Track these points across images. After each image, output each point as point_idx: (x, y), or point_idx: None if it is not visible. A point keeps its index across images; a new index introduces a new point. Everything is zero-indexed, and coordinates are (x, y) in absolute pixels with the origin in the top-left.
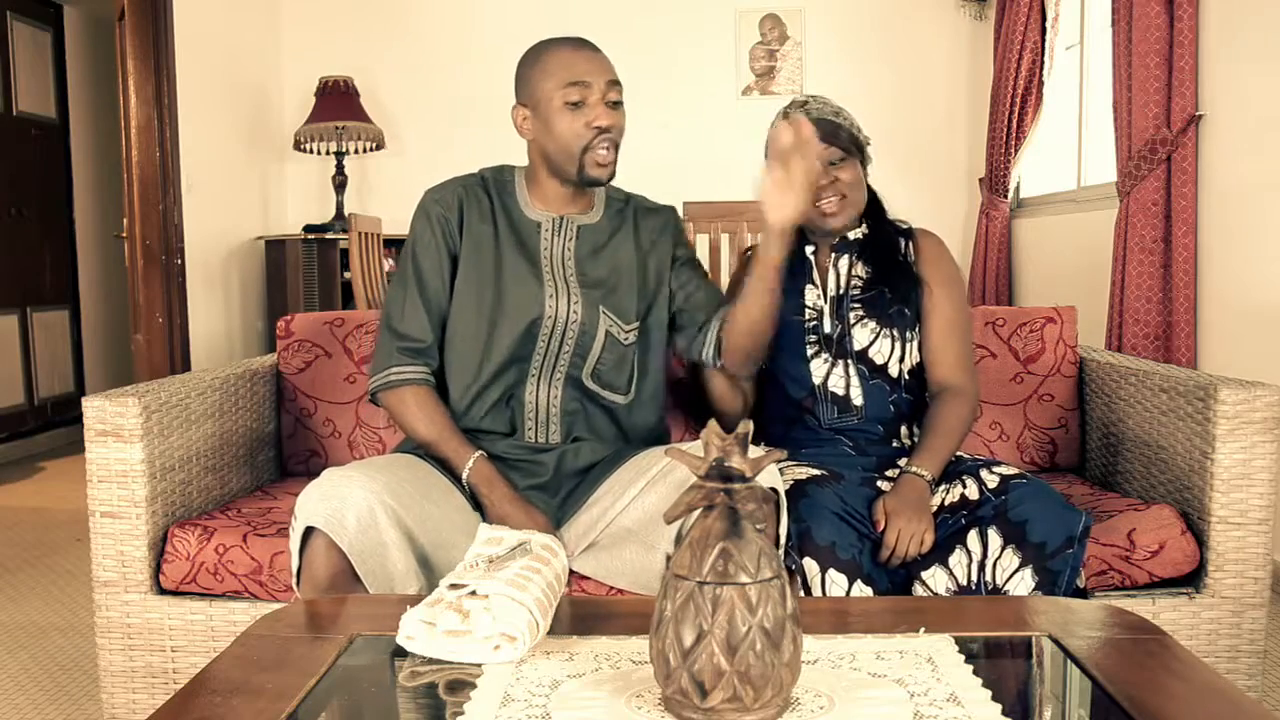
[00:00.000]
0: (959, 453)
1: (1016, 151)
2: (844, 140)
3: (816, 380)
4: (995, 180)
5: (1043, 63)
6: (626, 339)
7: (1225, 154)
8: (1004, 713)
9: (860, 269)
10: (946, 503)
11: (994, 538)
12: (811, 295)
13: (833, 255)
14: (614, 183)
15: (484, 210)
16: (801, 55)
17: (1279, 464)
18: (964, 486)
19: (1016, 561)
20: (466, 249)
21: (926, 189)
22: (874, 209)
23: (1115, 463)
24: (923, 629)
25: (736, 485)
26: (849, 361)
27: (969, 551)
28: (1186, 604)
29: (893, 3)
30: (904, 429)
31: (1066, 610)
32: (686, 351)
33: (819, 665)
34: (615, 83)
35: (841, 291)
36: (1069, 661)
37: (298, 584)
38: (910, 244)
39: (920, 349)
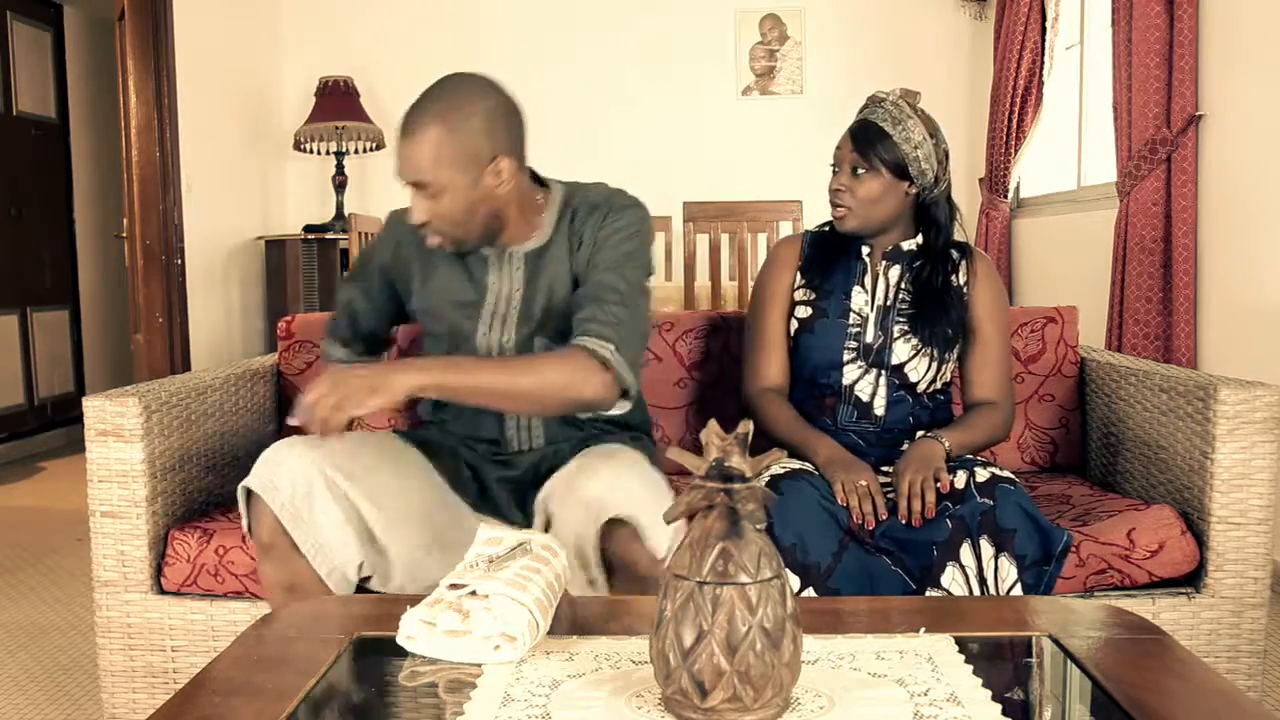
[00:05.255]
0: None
1: (1016, 151)
2: (872, 154)
3: (845, 382)
4: (995, 180)
5: (1043, 63)
6: None
7: (1225, 154)
8: (1004, 713)
9: (908, 282)
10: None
11: (985, 547)
12: (859, 300)
13: (884, 263)
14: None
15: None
16: (801, 55)
17: (1279, 464)
18: (953, 475)
19: (1014, 571)
20: (421, 271)
21: None
22: (930, 224)
23: (1115, 463)
24: (923, 629)
25: (736, 485)
26: (883, 373)
27: (964, 567)
28: (1186, 604)
29: (893, 3)
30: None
31: (1066, 610)
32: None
33: (819, 665)
34: None
35: (889, 302)
36: (1069, 661)
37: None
38: (966, 263)
39: (959, 367)
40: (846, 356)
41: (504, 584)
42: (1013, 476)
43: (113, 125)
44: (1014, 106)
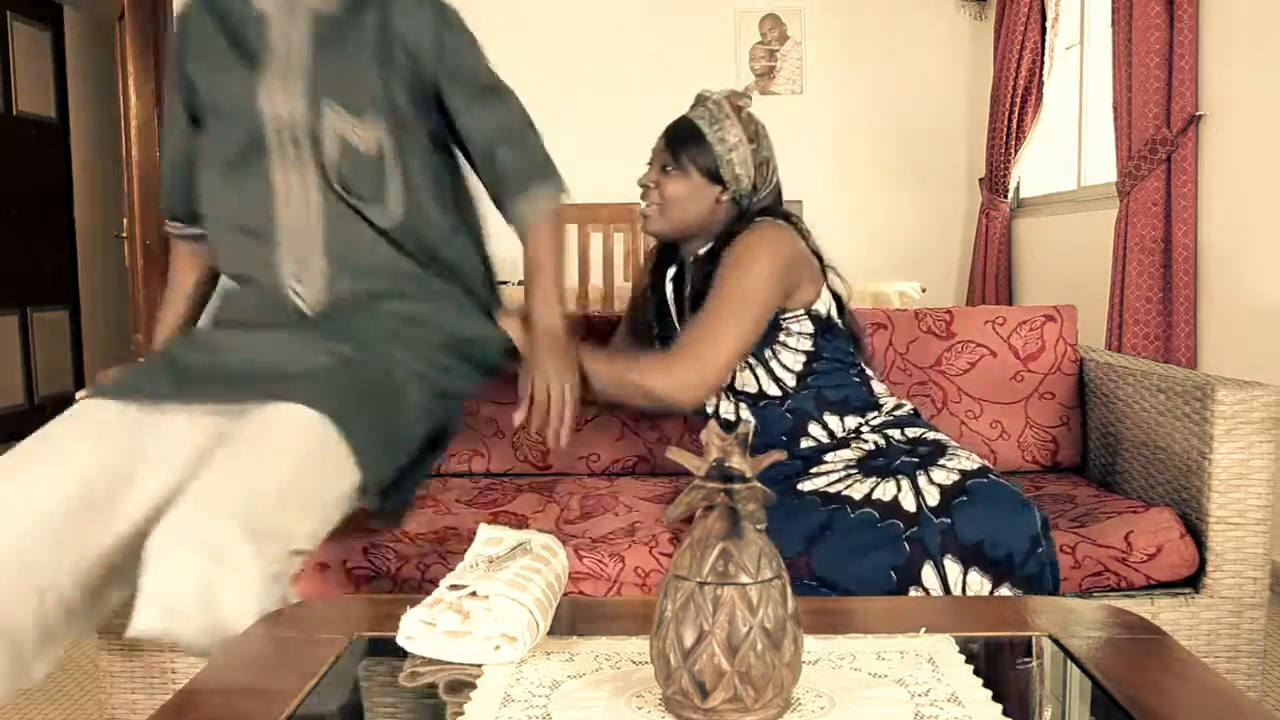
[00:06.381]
0: (894, 440)
1: (1016, 151)
2: (683, 153)
3: (709, 409)
4: (995, 180)
5: (1043, 63)
6: (365, 144)
7: (1225, 154)
8: (1004, 713)
9: (688, 293)
10: (874, 496)
11: (951, 566)
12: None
13: (688, 276)
14: None
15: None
16: (801, 55)
17: (1277, 464)
18: (898, 489)
19: (988, 583)
20: (194, 59)
21: (926, 189)
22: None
23: (1115, 463)
24: (923, 629)
25: (736, 485)
26: (725, 394)
27: (926, 590)
28: (1186, 604)
29: (893, 3)
30: (814, 425)
31: (1066, 610)
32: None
33: (820, 665)
34: None
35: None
36: (1069, 661)
37: None
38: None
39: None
40: None
41: (504, 584)
42: (971, 468)
43: (113, 125)
44: (1014, 106)
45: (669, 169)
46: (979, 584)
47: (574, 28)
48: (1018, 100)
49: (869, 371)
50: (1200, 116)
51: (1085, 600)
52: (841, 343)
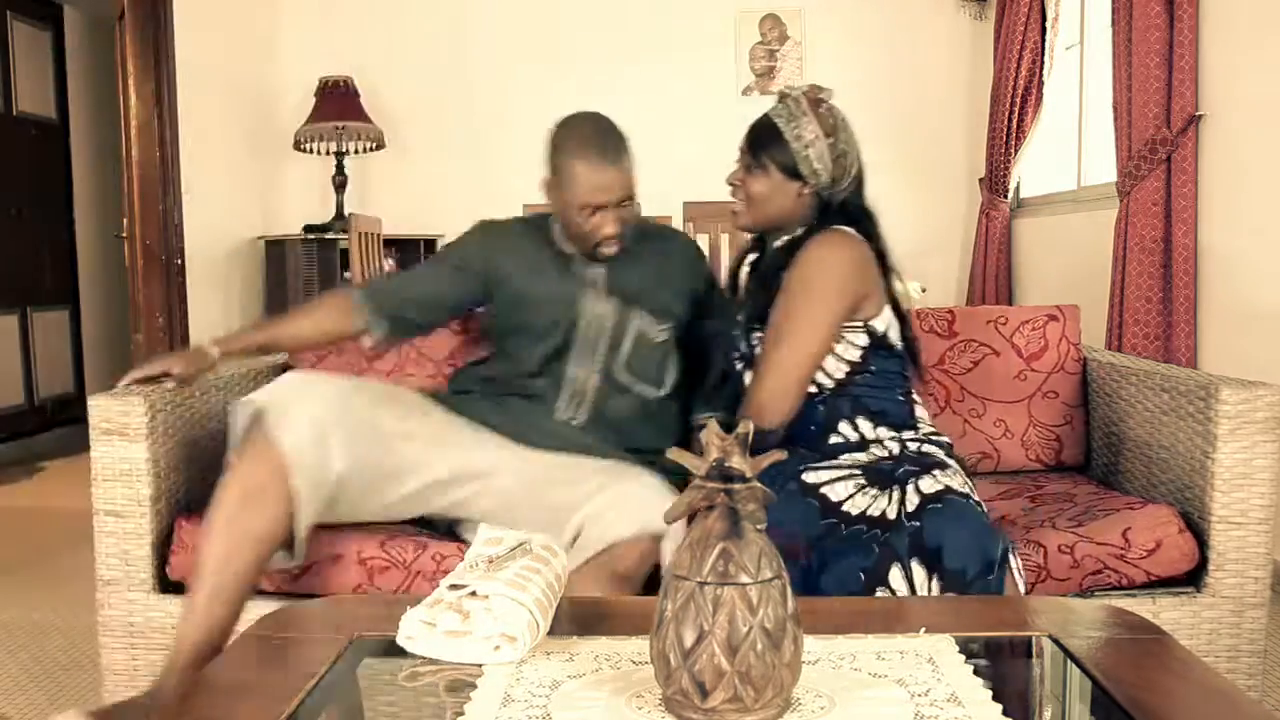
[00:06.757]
0: (908, 451)
1: (1016, 151)
2: (762, 152)
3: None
4: (995, 180)
5: (1043, 63)
6: (660, 337)
7: (1225, 154)
8: (1004, 713)
9: (753, 281)
10: (869, 512)
11: (918, 570)
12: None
13: (764, 260)
14: None
15: (527, 239)
16: (801, 55)
17: (1279, 464)
18: (888, 502)
19: (938, 590)
20: (515, 267)
21: (926, 189)
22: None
23: (1117, 463)
24: (923, 629)
25: (736, 485)
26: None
27: (894, 592)
28: (1187, 604)
29: (893, 3)
30: (844, 424)
31: (1066, 610)
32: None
33: (820, 665)
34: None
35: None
36: (1069, 661)
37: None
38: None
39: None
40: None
41: (504, 584)
42: (956, 486)
43: (113, 125)
44: (1014, 106)
45: (751, 168)
46: (936, 591)
47: (575, 27)
48: (1018, 100)
49: (915, 396)
50: (1200, 116)
51: (1085, 600)
52: (893, 362)
